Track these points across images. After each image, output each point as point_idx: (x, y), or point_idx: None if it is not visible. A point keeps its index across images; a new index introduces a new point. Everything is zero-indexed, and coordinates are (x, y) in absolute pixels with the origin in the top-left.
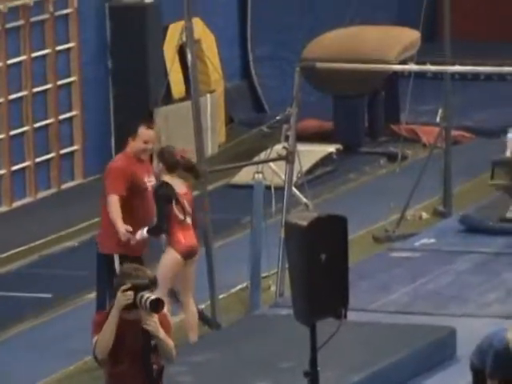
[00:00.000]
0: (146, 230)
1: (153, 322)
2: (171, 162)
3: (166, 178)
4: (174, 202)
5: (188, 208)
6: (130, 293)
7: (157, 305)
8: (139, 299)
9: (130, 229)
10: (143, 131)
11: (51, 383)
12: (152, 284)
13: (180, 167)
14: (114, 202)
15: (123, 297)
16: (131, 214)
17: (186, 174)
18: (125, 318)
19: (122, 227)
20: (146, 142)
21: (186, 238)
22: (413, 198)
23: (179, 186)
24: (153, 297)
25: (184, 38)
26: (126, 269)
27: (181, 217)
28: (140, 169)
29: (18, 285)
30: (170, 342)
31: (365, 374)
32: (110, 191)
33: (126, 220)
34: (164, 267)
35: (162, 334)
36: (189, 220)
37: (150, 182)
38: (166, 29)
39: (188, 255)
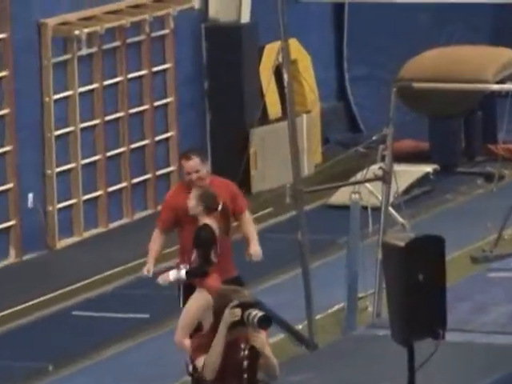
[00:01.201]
0: (184, 271)
1: (259, 339)
2: (212, 206)
3: (207, 220)
4: (213, 246)
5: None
6: (238, 310)
7: (265, 321)
8: (247, 316)
9: (151, 271)
10: (183, 164)
11: None
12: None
13: (221, 213)
14: (153, 235)
15: (231, 314)
16: (183, 243)
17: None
18: (226, 337)
19: (147, 265)
20: (188, 174)
21: (216, 281)
22: (510, 217)
23: (216, 229)
24: (261, 313)
25: (280, 59)
26: (224, 290)
27: (215, 261)
28: (187, 198)
29: (115, 305)
30: (274, 360)
31: None
32: (156, 223)
33: (182, 248)
34: (194, 307)
35: (267, 350)
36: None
37: None
38: (261, 49)
39: None
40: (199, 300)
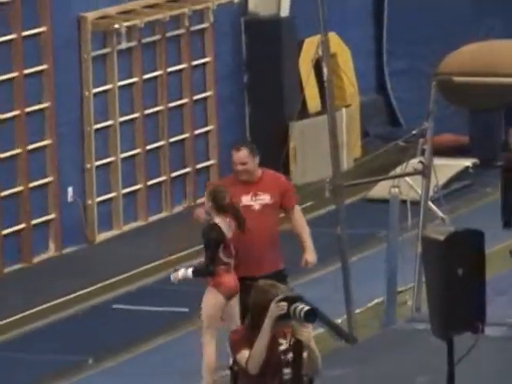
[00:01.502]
0: (191, 270)
1: (306, 333)
2: (221, 205)
3: (217, 219)
4: (221, 245)
5: (233, 250)
6: (284, 304)
7: (312, 315)
8: (293, 310)
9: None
10: (233, 154)
11: None
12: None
13: (229, 211)
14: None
15: (277, 308)
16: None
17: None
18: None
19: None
20: (236, 165)
21: (230, 280)
22: None
23: (227, 228)
24: (307, 307)
25: (320, 53)
26: (261, 285)
27: (226, 260)
28: (239, 189)
29: (154, 299)
30: (318, 354)
31: None
32: None
33: (233, 239)
34: (208, 307)
35: (313, 344)
36: (232, 262)
37: (254, 201)
38: (301, 43)
39: (229, 296)
40: (209, 299)
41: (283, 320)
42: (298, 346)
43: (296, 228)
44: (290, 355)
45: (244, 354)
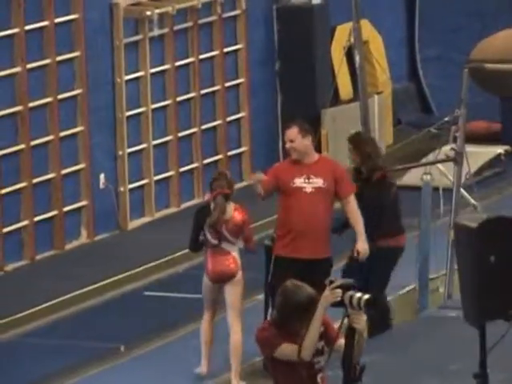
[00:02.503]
0: None
1: (362, 321)
2: (212, 186)
3: (212, 200)
4: (206, 227)
5: (226, 233)
6: (339, 291)
7: (370, 304)
8: (349, 298)
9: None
10: (286, 132)
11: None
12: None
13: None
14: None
15: (332, 295)
16: (285, 213)
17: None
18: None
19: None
20: (287, 142)
21: (215, 263)
22: None
23: (226, 210)
24: (366, 296)
25: (352, 40)
26: (289, 286)
27: (213, 242)
28: (291, 170)
29: (186, 286)
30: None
31: None
32: None
33: (281, 219)
34: (202, 288)
35: (366, 333)
36: (225, 245)
37: (307, 183)
38: (333, 30)
39: (216, 280)
40: (203, 281)
41: (336, 307)
42: (351, 333)
43: (349, 217)
44: (322, 343)
45: (286, 347)
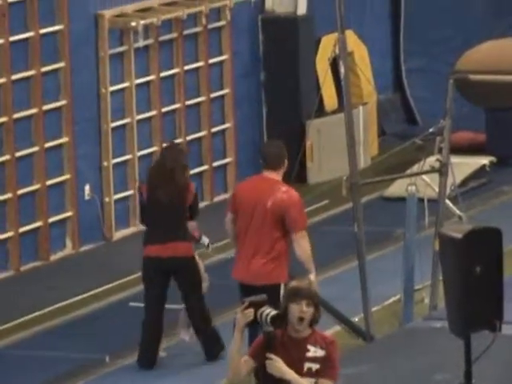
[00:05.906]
0: None
1: (276, 368)
2: None
3: None
4: None
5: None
6: (251, 310)
7: (277, 319)
8: (260, 315)
9: None
10: None
11: None
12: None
13: None
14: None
15: (243, 316)
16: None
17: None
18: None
19: None
20: None
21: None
22: None
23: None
24: (273, 312)
25: (337, 51)
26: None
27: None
28: None
29: (172, 297)
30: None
31: None
32: (304, 224)
33: None
34: None
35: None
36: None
37: None
38: (318, 41)
39: None
40: None
41: (253, 326)
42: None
43: None
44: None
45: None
